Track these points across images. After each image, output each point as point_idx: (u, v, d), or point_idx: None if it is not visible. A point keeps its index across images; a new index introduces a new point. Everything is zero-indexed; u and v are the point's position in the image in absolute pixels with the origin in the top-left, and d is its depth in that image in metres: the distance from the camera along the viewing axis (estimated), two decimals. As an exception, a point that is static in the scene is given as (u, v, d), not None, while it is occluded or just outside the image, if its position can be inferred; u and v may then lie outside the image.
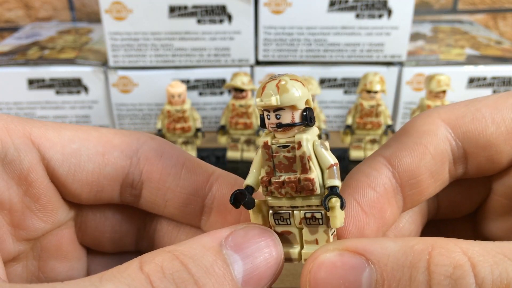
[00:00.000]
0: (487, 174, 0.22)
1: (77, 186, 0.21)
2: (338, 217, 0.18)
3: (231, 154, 0.50)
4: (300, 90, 0.18)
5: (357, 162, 0.49)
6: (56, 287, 0.15)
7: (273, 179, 0.18)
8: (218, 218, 0.22)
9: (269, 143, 0.18)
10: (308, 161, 0.18)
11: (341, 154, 0.51)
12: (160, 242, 0.24)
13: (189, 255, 0.16)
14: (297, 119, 0.18)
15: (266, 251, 0.18)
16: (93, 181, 0.21)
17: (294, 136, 0.18)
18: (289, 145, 0.18)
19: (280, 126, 0.18)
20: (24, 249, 0.21)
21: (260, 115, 0.19)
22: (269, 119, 0.18)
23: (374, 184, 0.20)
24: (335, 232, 0.19)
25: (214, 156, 0.52)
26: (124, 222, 0.24)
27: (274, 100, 0.17)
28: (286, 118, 0.18)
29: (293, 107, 0.18)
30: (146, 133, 0.23)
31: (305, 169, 0.18)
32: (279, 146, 0.18)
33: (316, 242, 0.19)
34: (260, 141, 0.19)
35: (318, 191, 0.18)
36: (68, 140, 0.21)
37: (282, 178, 0.18)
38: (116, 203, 0.23)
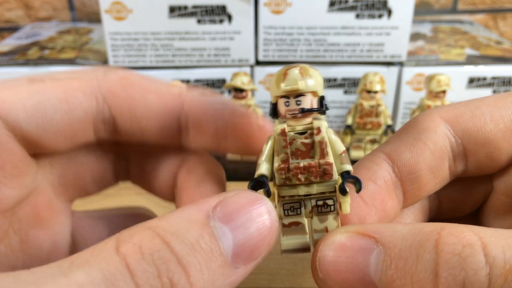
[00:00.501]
0: (487, 172, 0.22)
1: (50, 138, 0.21)
2: (349, 202, 0.18)
3: (231, 155, 0.50)
4: (319, 76, 0.18)
5: (357, 162, 0.49)
6: (21, 275, 0.13)
7: (292, 165, 0.18)
8: (196, 132, 0.22)
9: (286, 130, 0.18)
10: (326, 146, 0.18)
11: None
12: (139, 170, 0.25)
13: (171, 231, 0.15)
14: (315, 105, 0.18)
15: (258, 220, 0.16)
16: (65, 129, 0.21)
17: (311, 123, 0.19)
18: (306, 132, 0.18)
19: (303, 111, 0.18)
20: (1, 224, 0.21)
21: (273, 103, 0.19)
22: (287, 105, 0.18)
23: (375, 177, 0.21)
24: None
25: (214, 157, 0.52)
26: (100, 159, 0.24)
27: (301, 84, 0.18)
28: (306, 104, 0.18)
29: (313, 93, 0.18)
30: (102, 67, 0.23)
31: (323, 154, 0.18)
32: (296, 133, 0.19)
33: (326, 230, 0.19)
34: (277, 128, 0.19)
35: (334, 176, 0.18)
36: (26, 96, 0.20)
37: (302, 164, 0.18)
38: (93, 142, 0.23)
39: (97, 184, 0.25)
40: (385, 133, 0.49)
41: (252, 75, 0.55)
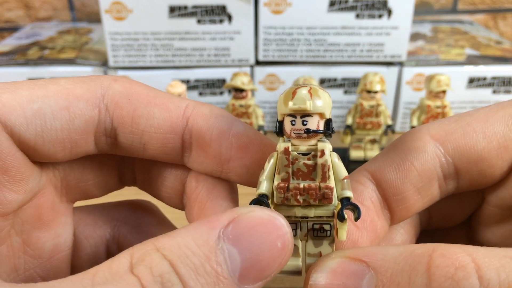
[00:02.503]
0: (479, 188, 0.22)
1: (49, 147, 0.20)
2: (346, 229, 0.18)
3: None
4: (328, 99, 0.18)
5: (357, 162, 0.49)
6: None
7: (292, 185, 0.18)
8: (200, 152, 0.21)
9: (290, 149, 0.18)
10: (328, 170, 0.18)
11: (341, 154, 0.50)
12: (142, 174, 0.24)
13: (178, 253, 0.15)
14: (321, 127, 0.18)
15: (270, 241, 0.16)
16: (64, 138, 0.20)
17: (315, 145, 0.18)
18: (310, 153, 0.18)
19: (308, 132, 0.18)
20: (2, 227, 0.21)
21: (279, 121, 0.19)
22: (293, 124, 0.18)
23: (362, 198, 0.20)
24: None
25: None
26: (103, 164, 0.23)
27: (308, 105, 0.17)
28: (312, 125, 0.18)
29: (321, 115, 0.18)
30: (108, 76, 0.22)
31: (324, 177, 0.18)
32: (299, 153, 0.18)
33: (320, 255, 0.19)
34: (281, 146, 0.18)
35: (334, 201, 0.18)
36: (27, 101, 0.20)
37: (302, 185, 0.18)
38: (94, 153, 0.22)
39: (101, 188, 0.24)
40: (385, 133, 0.49)
41: (252, 75, 0.55)
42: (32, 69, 0.54)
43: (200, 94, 0.55)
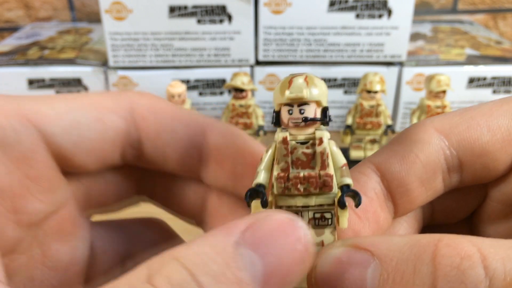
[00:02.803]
0: (482, 182, 0.22)
1: (83, 157, 0.21)
2: (348, 217, 0.18)
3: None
4: (324, 87, 0.18)
5: (357, 162, 0.49)
6: None
7: (291, 175, 0.18)
8: (216, 167, 0.22)
9: (288, 139, 0.18)
10: (327, 157, 0.18)
11: (341, 154, 0.51)
12: (162, 189, 0.25)
13: (197, 261, 0.15)
14: (318, 115, 0.18)
15: (291, 245, 0.15)
16: (97, 149, 0.21)
17: (314, 133, 0.18)
18: (308, 142, 0.18)
19: (306, 120, 0.18)
20: (25, 236, 0.21)
21: (276, 112, 0.19)
22: (290, 114, 0.18)
23: (365, 189, 0.20)
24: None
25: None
26: (125, 178, 0.24)
27: (305, 93, 0.17)
28: (309, 113, 0.18)
29: (317, 103, 0.18)
30: (135, 91, 0.23)
31: (324, 165, 0.18)
32: (297, 142, 0.18)
33: (322, 244, 0.19)
34: (279, 136, 0.18)
35: (334, 188, 0.18)
36: (64, 112, 0.20)
37: (302, 174, 0.18)
38: (119, 165, 0.23)
39: (120, 203, 0.25)
40: (385, 133, 0.49)
41: (252, 75, 0.55)
42: (32, 69, 0.54)
43: (200, 94, 0.55)
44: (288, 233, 0.16)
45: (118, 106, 0.22)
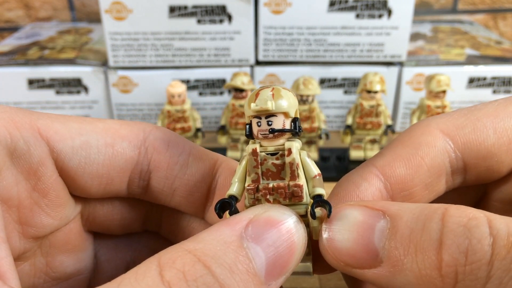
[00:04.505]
0: (485, 182, 0.22)
1: (87, 180, 0.21)
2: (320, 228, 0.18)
3: (231, 154, 0.50)
4: (291, 98, 0.18)
5: (357, 162, 0.49)
6: None
7: (261, 186, 0.18)
8: None
9: (258, 151, 0.18)
10: (297, 168, 0.18)
11: (341, 154, 0.51)
12: (168, 224, 0.24)
13: (210, 254, 0.15)
14: (287, 127, 0.18)
15: (287, 236, 0.17)
16: (103, 174, 0.21)
17: (283, 144, 0.18)
18: (278, 153, 0.18)
19: (273, 131, 0.18)
20: (31, 247, 0.21)
21: (247, 124, 0.19)
22: (259, 125, 0.18)
23: (363, 195, 0.20)
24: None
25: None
26: (132, 208, 0.24)
27: (270, 105, 0.18)
28: (277, 125, 0.18)
29: (285, 114, 0.18)
30: (151, 123, 0.23)
31: (293, 176, 0.18)
32: (267, 154, 0.19)
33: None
34: (249, 148, 0.19)
35: (305, 199, 0.18)
36: (76, 132, 0.21)
37: (271, 185, 0.18)
38: (123, 196, 0.23)
39: (124, 229, 0.25)
40: (385, 133, 0.49)
41: (252, 75, 0.55)
42: (32, 69, 0.54)
43: (200, 94, 0.55)
44: (283, 226, 0.17)
45: (131, 134, 0.22)
